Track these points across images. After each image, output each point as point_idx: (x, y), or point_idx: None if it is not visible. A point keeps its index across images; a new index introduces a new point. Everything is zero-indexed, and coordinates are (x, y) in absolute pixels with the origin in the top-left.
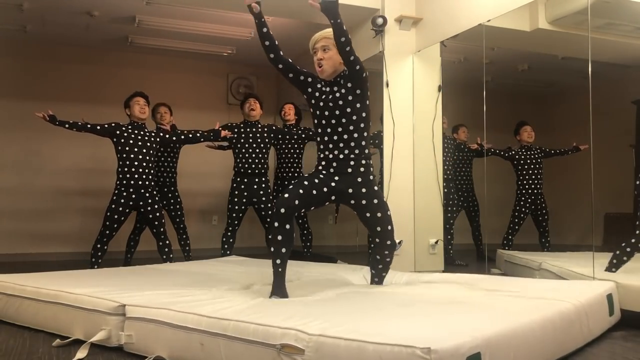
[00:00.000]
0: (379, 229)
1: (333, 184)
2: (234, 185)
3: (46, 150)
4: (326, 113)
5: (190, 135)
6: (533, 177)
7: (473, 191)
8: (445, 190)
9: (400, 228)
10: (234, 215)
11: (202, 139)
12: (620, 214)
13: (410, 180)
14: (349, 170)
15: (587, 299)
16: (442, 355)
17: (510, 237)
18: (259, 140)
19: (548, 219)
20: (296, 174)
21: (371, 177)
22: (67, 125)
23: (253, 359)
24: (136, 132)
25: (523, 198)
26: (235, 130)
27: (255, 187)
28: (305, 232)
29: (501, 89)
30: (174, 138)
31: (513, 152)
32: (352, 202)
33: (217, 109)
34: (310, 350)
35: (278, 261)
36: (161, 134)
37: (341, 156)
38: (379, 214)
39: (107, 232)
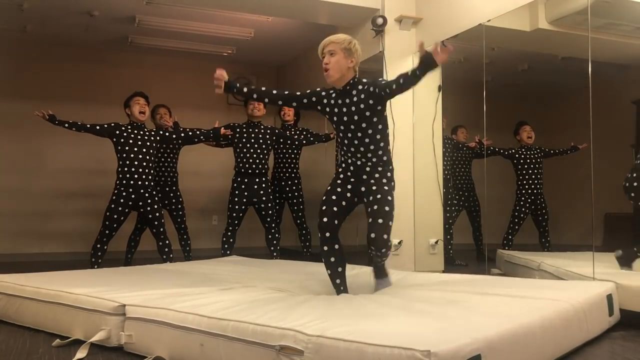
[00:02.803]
0: (370, 219)
1: (350, 187)
2: (235, 185)
3: (46, 150)
4: (342, 126)
5: (190, 134)
6: (533, 177)
7: (474, 191)
8: (445, 190)
9: (400, 228)
10: (234, 215)
11: (202, 137)
12: (620, 214)
13: (410, 180)
14: (364, 176)
15: (586, 300)
16: (442, 358)
17: (510, 237)
18: (260, 140)
19: (548, 219)
20: (293, 175)
21: (384, 180)
22: (66, 125)
23: (253, 359)
24: (136, 132)
25: (523, 198)
26: (237, 130)
27: (255, 187)
28: (304, 232)
29: (501, 89)
30: (174, 136)
31: (513, 151)
32: (364, 199)
33: (217, 109)
34: (310, 351)
35: (338, 281)
36: (161, 132)
37: (358, 163)
38: (375, 207)
39: (107, 232)
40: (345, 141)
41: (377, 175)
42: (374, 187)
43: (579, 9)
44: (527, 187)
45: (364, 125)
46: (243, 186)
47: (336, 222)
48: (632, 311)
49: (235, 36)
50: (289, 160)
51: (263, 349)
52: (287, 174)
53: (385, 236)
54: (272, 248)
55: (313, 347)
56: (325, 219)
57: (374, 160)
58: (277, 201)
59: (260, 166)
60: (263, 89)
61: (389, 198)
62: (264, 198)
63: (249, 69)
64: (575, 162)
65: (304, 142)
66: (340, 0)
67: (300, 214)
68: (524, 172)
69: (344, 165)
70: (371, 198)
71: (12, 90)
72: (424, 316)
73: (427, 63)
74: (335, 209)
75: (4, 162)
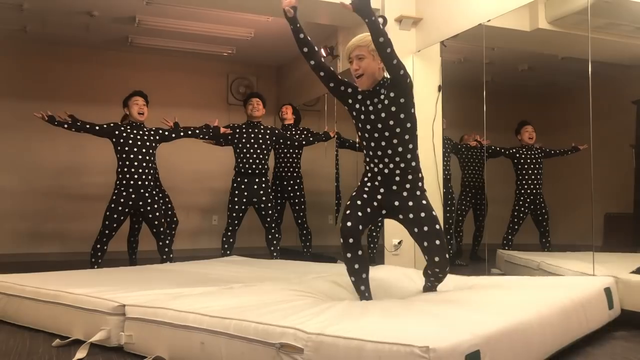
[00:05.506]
0: (425, 243)
1: (379, 197)
2: (235, 185)
3: (46, 149)
4: (368, 126)
5: (190, 132)
6: (533, 177)
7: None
8: (445, 190)
9: (401, 228)
10: (234, 215)
11: (201, 135)
12: (620, 214)
13: None
14: (394, 187)
15: (584, 293)
16: (441, 354)
17: (510, 237)
18: (260, 141)
19: (548, 218)
20: (295, 175)
21: (418, 193)
22: (65, 126)
23: (253, 357)
24: (135, 131)
25: (522, 198)
26: (237, 130)
27: (255, 187)
28: (304, 232)
29: (501, 89)
30: (174, 135)
31: (513, 151)
32: (400, 216)
33: (217, 109)
34: (310, 349)
35: (362, 287)
36: (161, 131)
37: (386, 170)
38: (425, 228)
39: (107, 232)
40: (372, 144)
41: (408, 186)
42: (410, 203)
43: (579, 9)
44: (526, 187)
45: (391, 122)
46: (243, 186)
47: (360, 227)
48: (633, 311)
49: (235, 36)
50: (291, 160)
51: (263, 347)
52: (288, 174)
53: (447, 256)
54: (272, 248)
55: (313, 344)
56: (349, 224)
57: (402, 166)
58: (279, 201)
59: (260, 166)
60: (315, 48)
61: (434, 214)
62: (263, 198)
63: (249, 69)
64: (575, 162)
65: (304, 142)
66: (338, 0)
67: (301, 214)
68: (524, 172)
69: (369, 174)
70: (411, 216)
71: (12, 90)
72: (423, 313)
73: (358, 7)
74: (359, 214)
75: (3, 162)
